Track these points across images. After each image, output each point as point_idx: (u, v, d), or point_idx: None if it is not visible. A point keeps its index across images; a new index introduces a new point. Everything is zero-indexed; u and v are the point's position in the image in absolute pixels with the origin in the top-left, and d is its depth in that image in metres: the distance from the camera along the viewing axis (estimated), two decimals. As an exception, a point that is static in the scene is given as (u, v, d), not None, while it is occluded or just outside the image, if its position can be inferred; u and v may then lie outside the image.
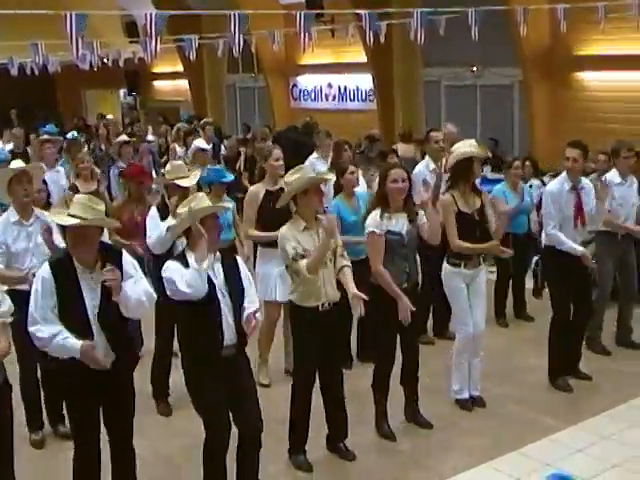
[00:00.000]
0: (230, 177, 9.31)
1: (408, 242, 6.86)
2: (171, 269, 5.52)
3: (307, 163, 11.18)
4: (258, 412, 5.81)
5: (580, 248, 7.85)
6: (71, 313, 5.25)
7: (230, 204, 8.70)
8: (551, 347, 8.17)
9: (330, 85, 20.92)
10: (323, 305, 6.34)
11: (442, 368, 7.94)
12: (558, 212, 7.90)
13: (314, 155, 11.45)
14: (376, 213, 6.79)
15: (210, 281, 5.51)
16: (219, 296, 5.57)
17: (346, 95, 20.52)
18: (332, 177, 7.38)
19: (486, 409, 7.62)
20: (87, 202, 5.34)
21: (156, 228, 7.49)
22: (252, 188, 8.35)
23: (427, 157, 9.51)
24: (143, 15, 9.44)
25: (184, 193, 7.48)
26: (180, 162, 8.32)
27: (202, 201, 5.70)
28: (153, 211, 7.72)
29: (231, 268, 5.75)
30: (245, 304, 5.69)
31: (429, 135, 9.56)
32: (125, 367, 5.52)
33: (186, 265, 5.48)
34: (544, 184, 12.13)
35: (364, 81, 19.48)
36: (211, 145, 14.24)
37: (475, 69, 16.81)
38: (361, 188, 8.78)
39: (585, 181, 8.14)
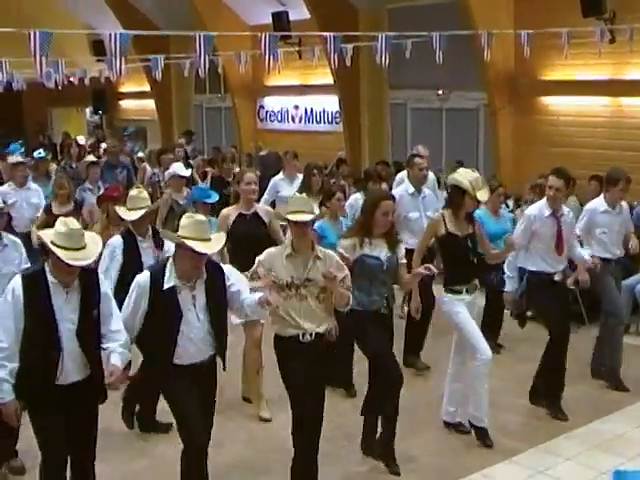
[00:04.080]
0: (215, 197, 9.24)
1: (388, 268, 6.75)
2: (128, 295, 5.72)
3: (271, 183, 11.19)
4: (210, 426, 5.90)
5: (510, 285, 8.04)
6: (39, 327, 5.22)
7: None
8: (548, 369, 8.03)
9: (297, 107, 20.96)
10: (304, 335, 6.15)
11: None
12: (525, 235, 7.96)
13: (280, 176, 11.41)
14: (354, 240, 6.68)
15: (178, 307, 5.60)
16: (187, 317, 5.63)
17: (312, 117, 20.57)
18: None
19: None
20: (71, 232, 5.21)
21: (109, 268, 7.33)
22: (224, 211, 8.25)
23: (407, 180, 9.59)
24: (108, 35, 9.42)
25: (140, 220, 7.50)
26: (138, 193, 7.94)
27: (195, 228, 5.60)
28: (116, 241, 7.50)
29: (217, 285, 5.78)
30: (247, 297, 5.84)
31: (413, 161, 9.60)
32: (98, 384, 5.45)
33: (158, 282, 5.60)
34: (507, 207, 12.24)
35: (331, 103, 19.55)
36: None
37: (441, 92, 16.92)
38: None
39: (566, 210, 8.15)
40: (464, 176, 7.28)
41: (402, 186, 9.57)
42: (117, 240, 7.47)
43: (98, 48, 21.00)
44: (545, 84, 14.93)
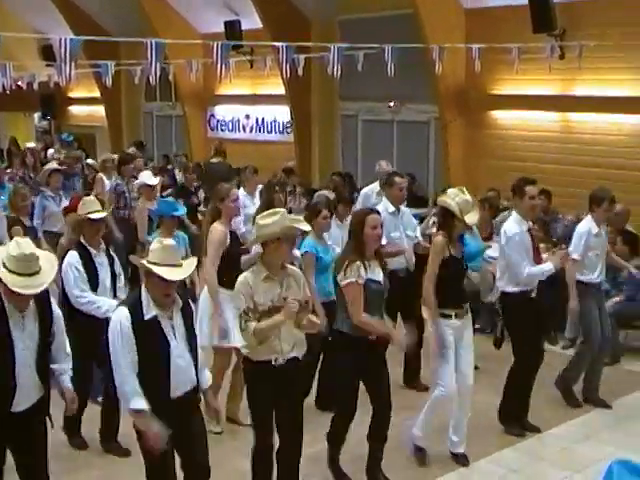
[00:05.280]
0: (182, 210, 8.94)
1: (384, 290, 6.58)
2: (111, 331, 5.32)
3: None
4: (207, 458, 5.63)
5: (549, 266, 7.69)
6: None
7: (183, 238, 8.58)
8: (509, 394, 7.97)
9: (247, 116, 20.91)
10: (276, 360, 5.95)
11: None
12: (524, 253, 7.70)
13: (241, 192, 11.15)
14: (357, 265, 6.35)
15: (164, 336, 5.31)
16: (174, 346, 5.33)
17: (263, 127, 20.54)
18: (308, 227, 6.70)
19: (399, 443, 7.55)
20: (25, 257, 4.94)
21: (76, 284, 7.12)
22: (219, 227, 7.79)
23: (385, 199, 9.27)
24: (57, 39, 9.29)
25: (97, 228, 7.30)
26: (92, 197, 7.93)
27: (164, 253, 5.32)
28: (73, 258, 7.22)
29: (188, 313, 5.53)
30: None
31: (393, 179, 9.25)
32: (45, 407, 5.35)
33: (138, 314, 5.25)
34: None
35: (282, 113, 19.53)
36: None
37: (392, 104, 16.96)
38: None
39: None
40: (452, 198, 7.04)
41: (381, 205, 9.09)
42: (73, 256, 7.20)
43: (47, 53, 20.78)
44: (495, 98, 15.04)
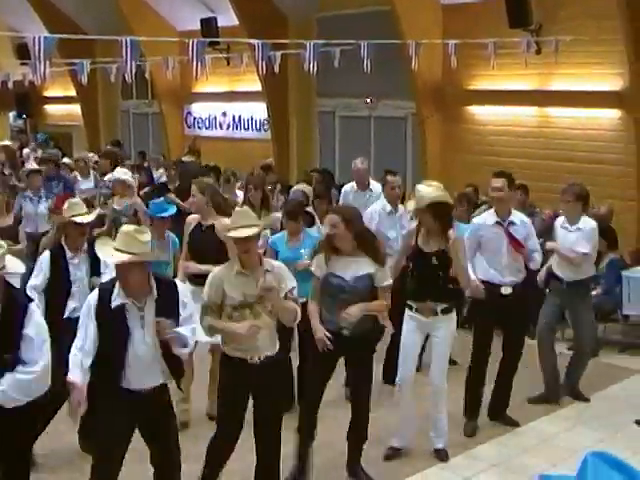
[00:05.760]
0: (172, 210, 8.77)
1: (352, 288, 6.38)
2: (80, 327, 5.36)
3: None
4: (178, 454, 5.64)
5: (472, 277, 7.41)
6: None
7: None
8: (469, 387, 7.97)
9: (225, 113, 20.87)
10: (252, 358, 5.88)
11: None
12: (469, 243, 7.56)
13: None
14: (322, 258, 6.45)
15: (126, 325, 5.29)
16: (136, 336, 5.30)
17: (240, 124, 20.50)
18: (242, 234, 6.12)
19: (377, 438, 7.54)
20: None
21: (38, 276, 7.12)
22: (188, 218, 8.14)
23: (383, 198, 9.35)
24: (32, 38, 9.21)
25: (82, 231, 7.22)
26: (78, 200, 7.79)
27: (122, 237, 5.34)
28: (43, 258, 7.21)
29: (163, 305, 5.40)
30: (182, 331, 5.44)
31: (386, 178, 9.35)
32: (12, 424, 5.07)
33: (106, 300, 5.29)
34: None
35: (259, 110, 19.50)
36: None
37: (369, 100, 16.98)
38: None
39: (518, 219, 7.77)
40: (419, 190, 6.91)
41: (378, 204, 9.21)
42: (44, 256, 7.19)
43: (22, 51, 20.62)
44: (472, 94, 15.08)
